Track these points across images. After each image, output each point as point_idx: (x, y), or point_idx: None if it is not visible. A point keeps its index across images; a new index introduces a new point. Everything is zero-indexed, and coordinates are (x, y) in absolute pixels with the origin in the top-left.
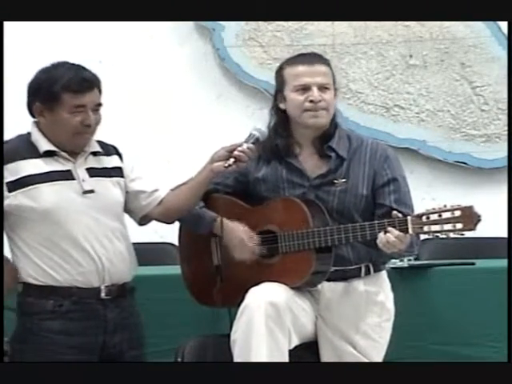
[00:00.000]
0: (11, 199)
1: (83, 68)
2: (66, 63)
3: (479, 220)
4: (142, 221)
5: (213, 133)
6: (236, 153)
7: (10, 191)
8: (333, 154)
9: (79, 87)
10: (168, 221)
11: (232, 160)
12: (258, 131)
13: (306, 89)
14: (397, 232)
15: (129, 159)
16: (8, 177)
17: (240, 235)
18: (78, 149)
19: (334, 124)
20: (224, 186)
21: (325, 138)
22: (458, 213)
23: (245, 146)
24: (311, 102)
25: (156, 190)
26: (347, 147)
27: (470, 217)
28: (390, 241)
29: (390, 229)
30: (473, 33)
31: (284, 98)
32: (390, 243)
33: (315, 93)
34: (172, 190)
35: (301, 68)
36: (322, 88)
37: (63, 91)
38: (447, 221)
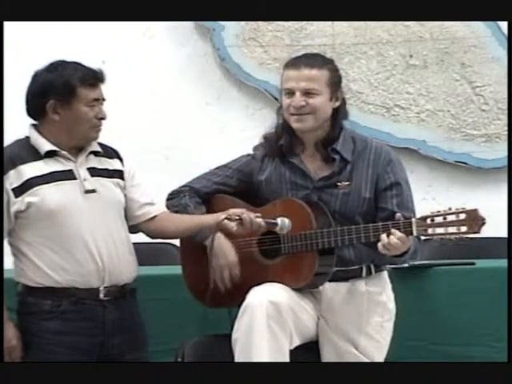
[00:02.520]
0: (19, 204)
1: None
2: (66, 61)
3: (484, 223)
4: (131, 229)
5: (212, 132)
6: (245, 216)
7: (16, 196)
8: (337, 157)
9: (94, 80)
10: (155, 238)
11: (237, 220)
12: (282, 222)
13: (291, 93)
14: (399, 233)
15: (130, 165)
16: (13, 183)
17: (227, 262)
18: (88, 143)
19: (338, 126)
20: (227, 186)
21: (329, 141)
22: (462, 216)
23: (259, 220)
24: (294, 107)
25: (150, 204)
26: (351, 149)
27: (474, 220)
28: (391, 242)
29: (392, 230)
30: (473, 33)
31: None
32: (392, 245)
33: (296, 98)
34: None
35: (289, 72)
36: (308, 93)
37: (80, 85)
38: (452, 224)
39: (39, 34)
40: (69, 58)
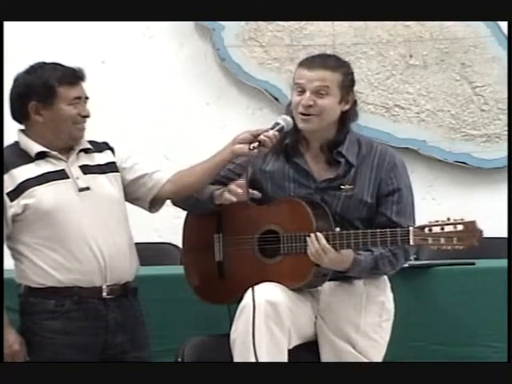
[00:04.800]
0: (15, 207)
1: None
2: (45, 62)
3: (481, 235)
4: (153, 206)
5: (213, 132)
6: (262, 137)
7: (11, 200)
8: (342, 160)
9: (73, 79)
10: (178, 198)
11: (257, 143)
12: (284, 120)
13: (302, 91)
14: (317, 245)
15: (122, 149)
16: (7, 187)
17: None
18: (75, 142)
19: (346, 130)
20: (227, 179)
21: (335, 143)
22: (460, 227)
23: (271, 132)
24: (302, 105)
25: (157, 171)
26: (356, 152)
27: (472, 232)
28: (311, 252)
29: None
30: (473, 33)
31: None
32: (313, 254)
33: (306, 96)
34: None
35: (302, 71)
36: (318, 93)
37: (59, 85)
38: (449, 234)
39: (39, 34)
40: (68, 58)
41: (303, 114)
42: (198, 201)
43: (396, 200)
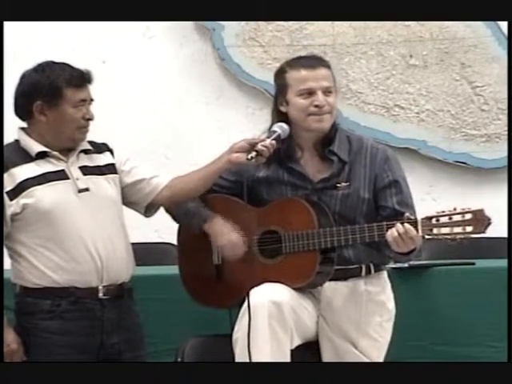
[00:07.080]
0: (14, 207)
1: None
2: (54, 62)
3: (489, 223)
4: (148, 211)
5: (212, 132)
6: (259, 147)
7: (11, 199)
8: (335, 158)
9: (81, 81)
10: (174, 205)
11: (254, 153)
12: (280, 128)
13: (311, 93)
14: (407, 227)
15: (121, 152)
16: (7, 186)
17: (229, 237)
18: (76, 144)
19: (334, 127)
20: (221, 187)
21: (326, 142)
22: (468, 216)
23: (268, 141)
24: (316, 106)
25: (155, 176)
26: (348, 149)
27: (480, 220)
28: (394, 236)
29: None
30: (473, 33)
31: (286, 101)
32: (394, 239)
33: (320, 97)
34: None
35: (304, 72)
36: (326, 92)
37: (66, 86)
38: (457, 224)
39: (39, 33)
40: (68, 58)
41: (317, 115)
42: (187, 222)
43: (394, 192)
